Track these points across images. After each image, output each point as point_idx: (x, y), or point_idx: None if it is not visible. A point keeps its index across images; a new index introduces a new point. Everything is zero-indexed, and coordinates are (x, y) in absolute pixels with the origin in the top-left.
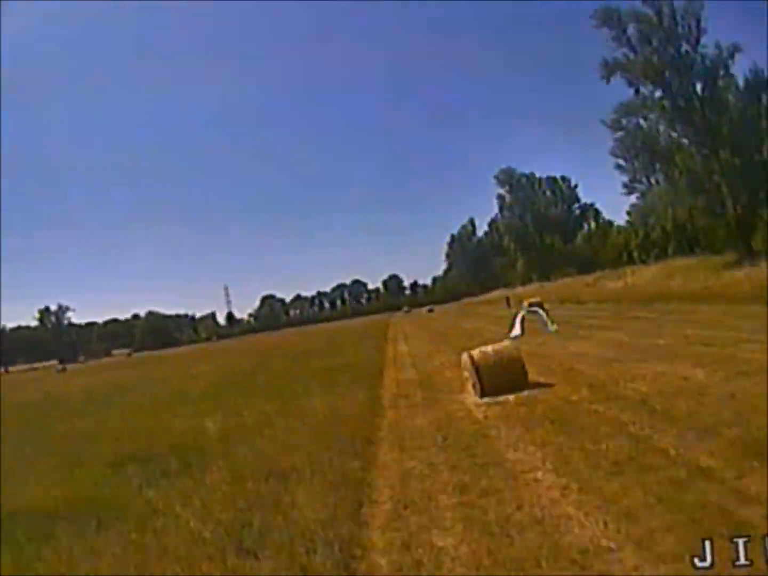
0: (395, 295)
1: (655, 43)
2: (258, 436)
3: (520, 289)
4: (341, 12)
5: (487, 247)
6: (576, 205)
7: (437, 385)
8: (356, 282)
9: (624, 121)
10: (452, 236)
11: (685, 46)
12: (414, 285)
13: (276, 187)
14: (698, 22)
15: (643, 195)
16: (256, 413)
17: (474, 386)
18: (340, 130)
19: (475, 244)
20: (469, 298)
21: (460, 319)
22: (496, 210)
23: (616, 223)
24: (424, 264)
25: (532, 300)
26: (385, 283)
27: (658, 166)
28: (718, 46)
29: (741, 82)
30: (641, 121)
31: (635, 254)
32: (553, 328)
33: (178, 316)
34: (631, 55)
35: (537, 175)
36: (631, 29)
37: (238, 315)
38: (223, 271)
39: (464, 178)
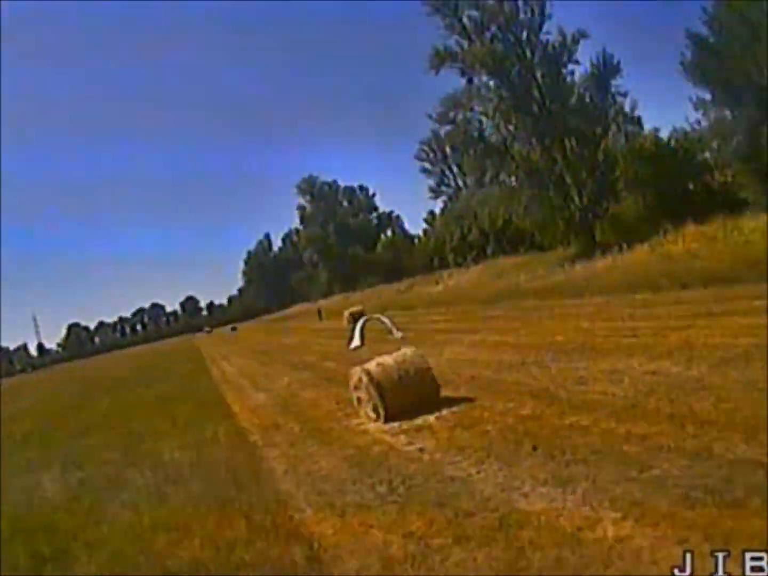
0: (193, 317)
1: (494, 29)
2: (117, 503)
3: (322, 302)
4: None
5: (284, 261)
6: (374, 214)
7: (306, 410)
8: (155, 305)
9: (452, 114)
10: (249, 253)
11: (526, 33)
12: (210, 305)
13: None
14: (542, 7)
15: (450, 199)
16: (101, 464)
17: (375, 409)
18: (128, 149)
19: (272, 259)
20: (269, 315)
21: (272, 335)
22: (293, 223)
23: (423, 228)
24: (221, 283)
25: (354, 309)
26: (182, 304)
27: (490, 161)
28: (562, 32)
29: (588, 70)
30: (474, 113)
31: (450, 258)
32: (398, 335)
33: None
34: (466, 44)
35: (339, 183)
36: (466, 18)
37: (47, 345)
38: (30, 300)
39: (261, 191)
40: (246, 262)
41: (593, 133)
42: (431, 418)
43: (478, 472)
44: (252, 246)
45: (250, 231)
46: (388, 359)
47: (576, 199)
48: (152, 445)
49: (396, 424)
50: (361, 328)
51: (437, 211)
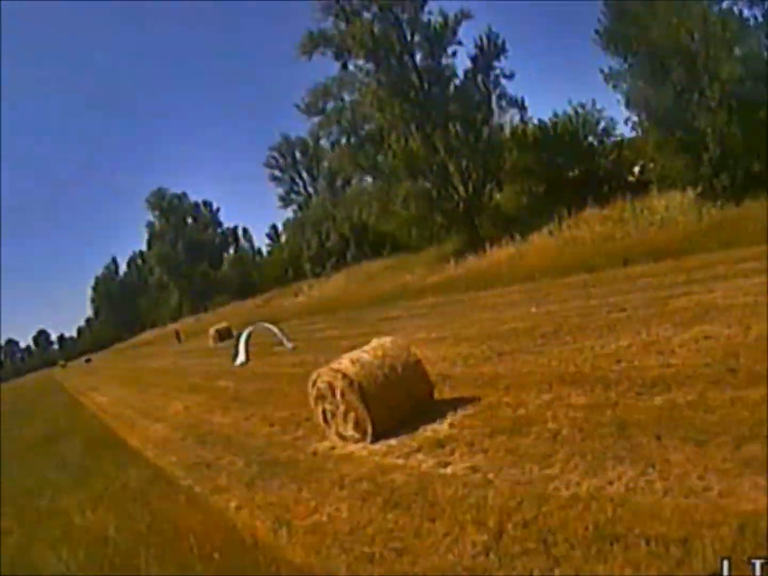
0: (45, 351)
1: (374, 10)
2: None
3: (172, 326)
4: None
5: (131, 285)
6: (219, 229)
7: (235, 437)
8: (9, 341)
9: (321, 103)
10: (96, 279)
11: (406, 14)
12: (61, 338)
13: None
14: None
15: (300, 207)
16: None
17: (357, 424)
18: None
19: (119, 284)
20: (121, 343)
21: (135, 361)
22: (140, 245)
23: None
24: (71, 314)
25: (221, 326)
26: (34, 339)
27: (364, 152)
28: (443, 13)
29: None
30: (347, 101)
31: (307, 267)
32: (289, 345)
33: None
34: (343, 25)
35: (189, 197)
36: None
37: None
38: None
39: (108, 212)
40: (94, 289)
41: (474, 119)
42: (442, 427)
43: (630, 485)
44: (99, 271)
45: (98, 256)
46: (362, 355)
47: (460, 188)
48: (52, 503)
49: (392, 442)
50: (246, 342)
51: (287, 220)
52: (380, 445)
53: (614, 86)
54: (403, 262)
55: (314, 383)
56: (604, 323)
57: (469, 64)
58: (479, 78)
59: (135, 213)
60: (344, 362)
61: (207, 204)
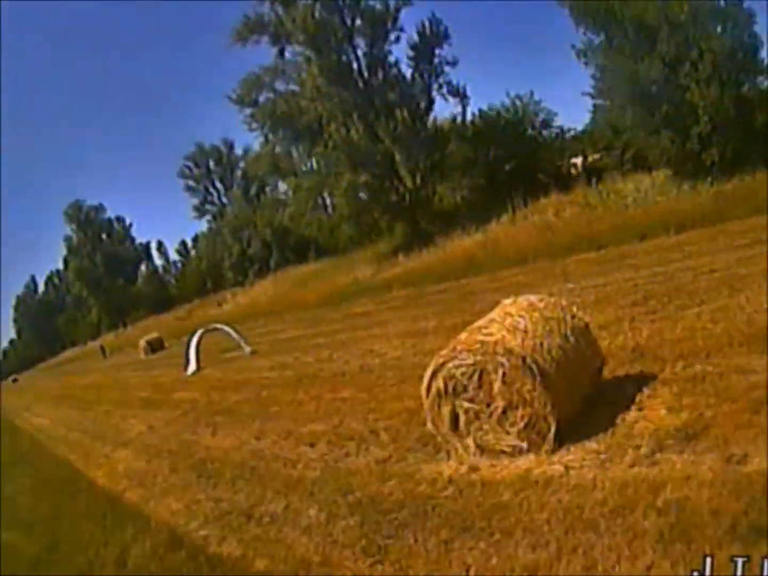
0: None
1: None
2: None
3: (92, 344)
4: None
5: (50, 304)
6: (132, 245)
7: (267, 465)
8: None
9: (255, 93)
10: (17, 298)
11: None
12: None
13: None
14: None
15: (215, 217)
16: None
17: (527, 426)
18: None
19: (38, 303)
20: (44, 363)
21: (65, 378)
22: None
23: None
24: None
25: (151, 337)
26: None
27: (301, 144)
28: None
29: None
30: (282, 91)
31: (229, 276)
32: (248, 349)
33: None
34: (281, 10)
35: (105, 207)
36: None
37: None
38: None
39: (25, 230)
40: (15, 309)
41: (417, 107)
42: (649, 415)
43: None
44: (20, 291)
45: (20, 275)
46: (518, 321)
47: (407, 180)
48: None
49: (592, 446)
50: (196, 348)
51: (203, 232)
52: (573, 455)
53: (586, 63)
54: (335, 265)
55: (436, 372)
56: (709, 285)
57: (410, 51)
58: (421, 65)
59: (53, 229)
60: (497, 333)
61: (120, 219)
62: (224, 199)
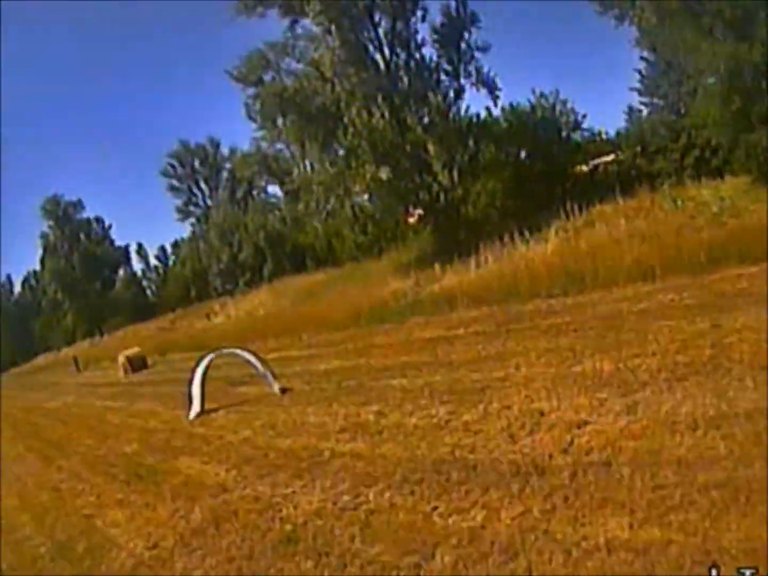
0: None
1: None
2: None
3: (66, 350)
4: None
5: (25, 306)
6: (110, 246)
7: None
8: None
9: (260, 72)
10: None
11: None
12: None
13: None
14: None
15: (199, 220)
16: None
17: None
18: None
19: (13, 304)
20: (16, 368)
21: (32, 393)
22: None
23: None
24: None
25: (131, 353)
26: None
27: (315, 129)
28: None
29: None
30: (289, 70)
31: (217, 284)
32: (276, 387)
33: None
34: None
35: (85, 204)
36: None
37: None
38: None
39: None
40: None
41: (445, 95)
42: None
43: None
44: None
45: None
46: None
47: (441, 178)
48: None
49: None
50: (202, 381)
51: (187, 236)
52: None
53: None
54: (345, 275)
55: None
56: None
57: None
58: (447, 48)
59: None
60: None
61: (99, 220)
62: (209, 201)
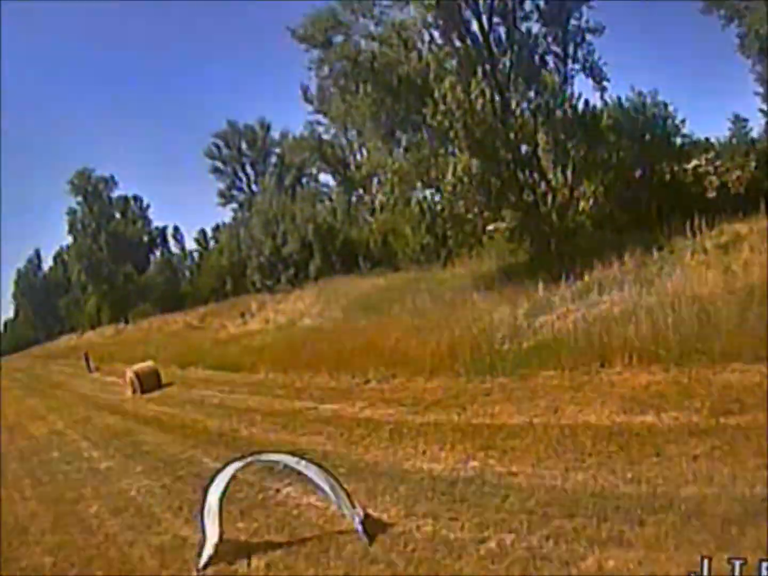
0: None
1: None
2: None
3: (90, 334)
4: None
5: (54, 283)
6: (147, 228)
7: None
8: None
9: (329, 34)
10: (18, 272)
11: None
12: None
13: None
14: None
15: (242, 206)
16: None
17: None
18: None
19: (41, 280)
20: (37, 347)
21: (25, 392)
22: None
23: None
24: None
25: (143, 368)
26: None
27: (397, 102)
28: None
29: None
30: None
31: (256, 279)
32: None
33: None
34: None
35: (117, 180)
36: None
37: None
38: None
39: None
40: (17, 283)
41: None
42: None
43: None
44: (22, 264)
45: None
46: None
47: (551, 176)
48: None
49: None
50: (219, 507)
51: (230, 221)
52: None
53: None
54: (410, 282)
55: None
56: None
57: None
58: (552, 28)
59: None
60: None
61: (137, 199)
62: (254, 187)
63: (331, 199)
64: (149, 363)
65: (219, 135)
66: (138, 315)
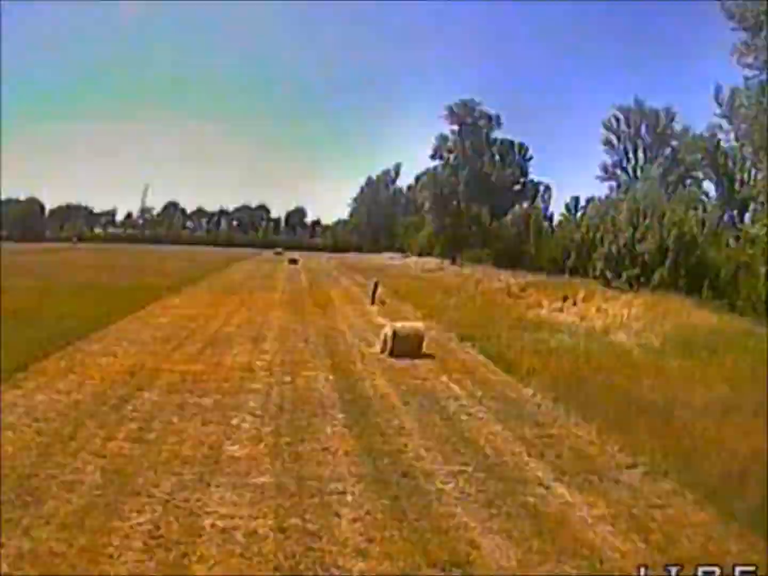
0: (294, 232)
1: None
2: None
3: (411, 260)
4: None
5: (402, 201)
6: (522, 179)
7: None
8: (260, 207)
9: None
10: (369, 178)
11: None
12: (315, 224)
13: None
14: None
15: (619, 186)
16: None
17: None
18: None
19: (391, 194)
20: (358, 254)
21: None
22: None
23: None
24: (330, 201)
25: (402, 327)
26: (289, 214)
27: None
28: None
29: None
30: None
31: (599, 265)
32: None
33: (68, 207)
34: None
35: (501, 121)
36: None
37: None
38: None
39: (400, 112)
40: (362, 188)
41: None
42: None
43: None
44: (374, 174)
45: (385, 156)
46: None
47: None
48: None
49: None
50: None
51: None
52: None
53: None
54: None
55: None
56: None
57: None
58: None
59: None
60: None
61: (522, 146)
62: (638, 172)
63: (705, 210)
64: (416, 325)
65: (622, 109)
66: (468, 258)
